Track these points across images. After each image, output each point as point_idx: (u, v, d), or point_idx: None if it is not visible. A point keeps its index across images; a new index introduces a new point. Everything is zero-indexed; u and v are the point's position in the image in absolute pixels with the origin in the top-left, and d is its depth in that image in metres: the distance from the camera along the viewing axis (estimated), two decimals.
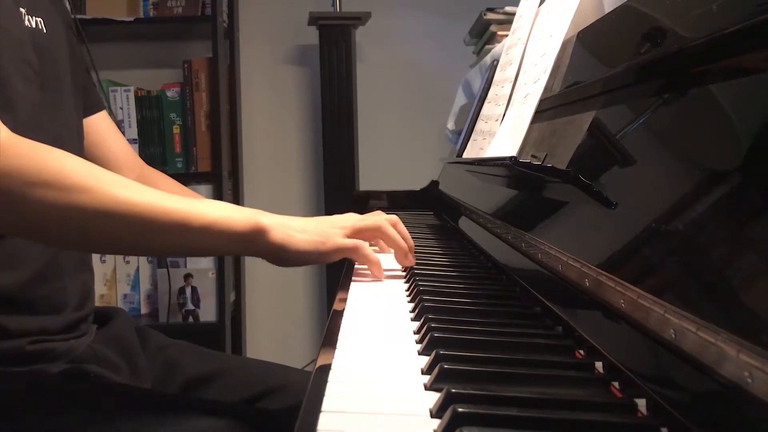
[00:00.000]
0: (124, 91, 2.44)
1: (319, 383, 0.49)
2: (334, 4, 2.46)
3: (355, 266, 0.92)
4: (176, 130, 2.45)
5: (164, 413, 0.81)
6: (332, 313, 0.71)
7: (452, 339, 0.58)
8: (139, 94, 2.46)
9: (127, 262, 2.48)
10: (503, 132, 1.06)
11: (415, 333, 0.64)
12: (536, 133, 0.94)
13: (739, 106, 0.50)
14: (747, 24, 0.49)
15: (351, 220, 0.89)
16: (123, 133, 2.43)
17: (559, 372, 0.52)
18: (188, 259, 2.45)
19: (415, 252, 0.93)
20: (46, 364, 0.86)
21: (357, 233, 0.87)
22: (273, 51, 2.65)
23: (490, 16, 1.87)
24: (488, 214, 1.00)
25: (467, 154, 1.31)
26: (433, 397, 0.46)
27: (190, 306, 2.45)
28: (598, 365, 0.53)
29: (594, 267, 0.55)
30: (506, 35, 1.33)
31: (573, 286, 0.59)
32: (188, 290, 2.45)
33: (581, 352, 0.57)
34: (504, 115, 1.10)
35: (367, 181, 2.50)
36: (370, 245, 0.93)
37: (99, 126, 1.12)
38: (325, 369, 0.52)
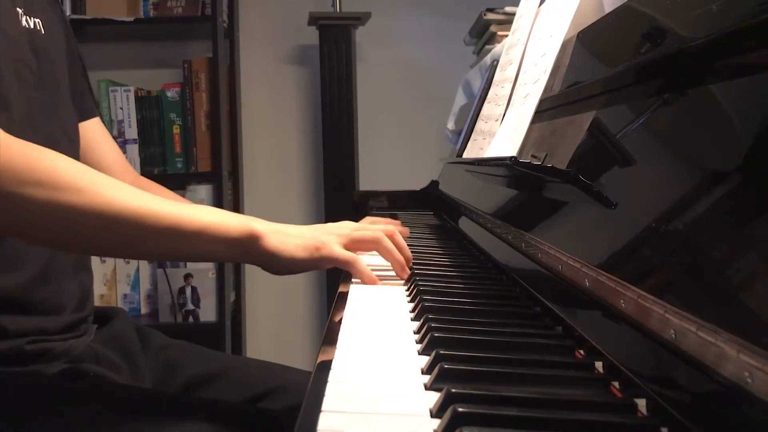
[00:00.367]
0: (124, 91, 2.44)
1: (319, 383, 0.49)
2: (334, 4, 2.46)
3: None
4: (176, 130, 2.45)
5: (164, 413, 0.81)
6: (332, 314, 0.71)
7: (452, 339, 0.58)
8: (139, 94, 2.46)
9: (127, 263, 2.48)
10: (503, 132, 1.06)
11: (415, 333, 0.64)
12: (536, 133, 0.94)
13: (739, 106, 0.50)
14: (747, 24, 0.49)
15: (347, 228, 0.87)
16: (123, 133, 2.44)
17: (559, 372, 0.52)
18: None
19: (415, 252, 0.93)
20: (45, 364, 0.86)
21: (353, 243, 0.86)
22: (273, 51, 2.65)
23: (490, 16, 1.87)
24: (488, 214, 1.00)
25: (467, 154, 1.31)
26: (433, 397, 0.46)
27: (190, 306, 2.45)
28: (598, 365, 0.53)
29: (594, 267, 0.55)
30: (506, 35, 1.33)
31: (573, 286, 0.59)
32: (188, 290, 2.45)
33: (581, 352, 0.57)
34: (504, 115, 1.10)
35: (367, 181, 2.50)
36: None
37: (93, 132, 1.11)
38: (325, 369, 0.52)
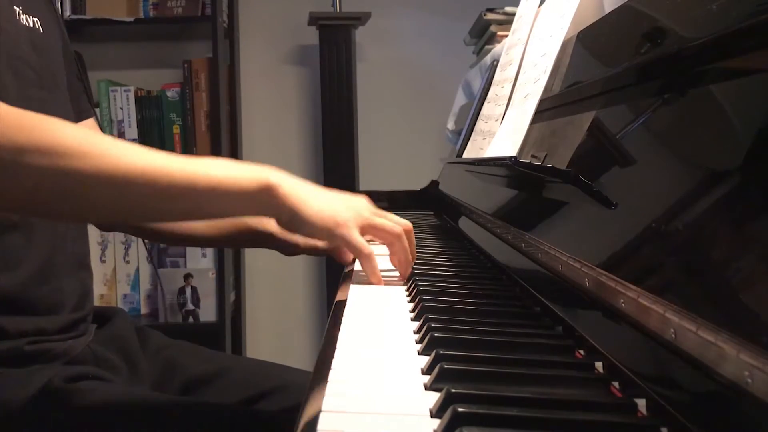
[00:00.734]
0: (124, 91, 2.44)
1: (319, 383, 0.49)
2: (334, 4, 2.46)
3: (355, 269, 0.91)
4: (176, 130, 2.45)
5: (163, 414, 0.81)
6: (332, 314, 0.71)
7: (452, 339, 0.58)
8: (139, 94, 2.46)
9: (127, 262, 2.48)
10: (503, 132, 1.06)
11: (415, 333, 0.64)
12: (536, 133, 0.94)
13: (739, 106, 0.50)
14: (747, 24, 0.49)
15: (366, 209, 0.84)
16: (123, 133, 2.44)
17: (559, 372, 0.52)
18: (188, 258, 2.45)
19: (416, 252, 0.92)
20: (45, 364, 0.86)
21: (371, 229, 0.82)
22: (273, 51, 2.65)
23: (490, 16, 1.87)
24: (488, 214, 1.00)
25: (467, 154, 1.31)
26: (433, 397, 0.46)
27: (190, 306, 2.45)
28: (598, 365, 0.53)
29: (594, 267, 0.55)
30: (506, 35, 1.33)
31: (573, 286, 0.59)
32: (188, 290, 2.45)
33: (581, 352, 0.57)
34: (504, 115, 1.10)
35: (367, 181, 2.50)
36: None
37: None
38: (325, 369, 0.52)
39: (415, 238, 0.88)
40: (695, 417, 0.38)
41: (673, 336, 0.41)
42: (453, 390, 0.44)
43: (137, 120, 2.44)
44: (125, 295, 2.49)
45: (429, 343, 0.57)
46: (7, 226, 0.85)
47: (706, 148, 0.53)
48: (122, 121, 2.43)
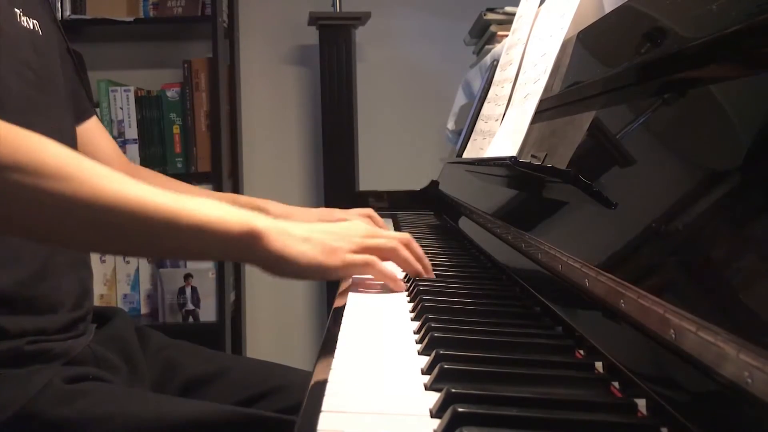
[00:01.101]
0: (124, 91, 2.44)
1: (319, 383, 0.49)
2: (334, 4, 2.46)
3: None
4: (176, 130, 2.45)
5: (163, 414, 0.81)
6: (332, 313, 0.71)
7: (452, 339, 0.58)
8: (139, 94, 2.46)
9: (127, 262, 2.48)
10: (503, 132, 1.06)
11: (415, 333, 0.64)
12: (536, 133, 0.94)
13: (739, 106, 0.50)
14: (747, 24, 0.49)
15: (359, 232, 0.81)
16: (123, 133, 2.44)
17: (559, 372, 0.52)
18: None
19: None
20: (45, 364, 0.86)
21: (366, 251, 0.79)
22: (273, 51, 2.65)
23: (490, 16, 1.87)
24: (488, 214, 1.00)
25: (467, 154, 1.31)
26: (433, 397, 0.46)
27: (190, 306, 2.45)
28: (598, 365, 0.53)
29: (594, 267, 0.55)
30: (506, 35, 1.33)
31: (573, 286, 0.59)
32: (188, 290, 2.45)
33: (581, 352, 0.57)
34: (504, 115, 1.10)
35: (367, 181, 2.50)
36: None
37: (92, 131, 1.13)
38: (325, 369, 0.52)
39: (415, 238, 0.88)
40: (695, 417, 0.38)
41: (673, 336, 0.41)
42: (453, 390, 0.44)
43: (137, 120, 2.44)
44: (125, 295, 2.49)
45: (429, 343, 0.57)
46: None
47: (706, 148, 0.53)
48: (122, 121, 2.43)
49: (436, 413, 0.44)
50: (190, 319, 2.45)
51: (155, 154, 2.43)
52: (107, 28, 2.43)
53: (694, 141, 0.55)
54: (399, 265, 0.84)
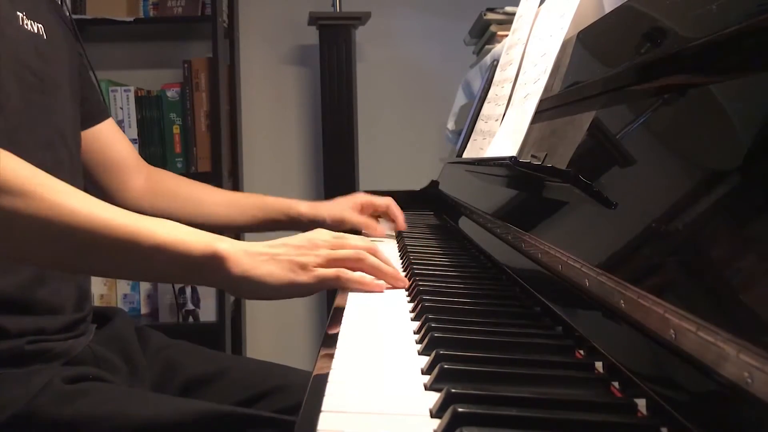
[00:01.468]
0: (124, 91, 2.44)
1: (319, 383, 0.49)
2: (334, 4, 2.46)
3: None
4: (176, 130, 2.45)
5: (163, 414, 0.81)
6: (332, 313, 0.71)
7: (452, 339, 0.58)
8: (139, 94, 2.46)
9: None
10: (503, 132, 1.06)
11: (415, 333, 0.64)
12: (536, 133, 0.94)
13: (739, 106, 0.50)
14: (747, 24, 0.49)
15: (324, 246, 0.78)
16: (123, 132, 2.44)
17: (559, 372, 0.52)
18: None
19: (415, 252, 0.92)
20: (45, 364, 0.86)
21: (335, 264, 0.77)
22: (273, 51, 2.65)
23: (490, 16, 1.87)
24: (488, 214, 1.00)
25: (467, 154, 1.31)
26: (433, 397, 0.46)
27: (190, 306, 2.45)
28: (598, 365, 0.53)
29: (594, 267, 0.55)
30: (506, 35, 1.33)
31: (573, 286, 0.59)
32: (188, 290, 2.45)
33: (581, 352, 0.57)
34: (504, 115, 1.10)
35: (367, 181, 2.50)
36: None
37: (108, 133, 1.15)
38: (325, 369, 0.52)
39: (415, 238, 0.88)
40: (695, 417, 0.38)
41: (673, 336, 0.41)
42: (453, 390, 0.44)
43: (137, 120, 2.44)
44: (125, 295, 2.49)
45: (429, 343, 0.57)
46: None
47: (706, 148, 0.53)
48: (122, 121, 2.43)
49: (436, 413, 0.44)
50: (190, 319, 2.45)
51: (155, 154, 2.43)
52: (107, 28, 2.43)
53: (694, 141, 0.55)
54: (371, 273, 0.80)
